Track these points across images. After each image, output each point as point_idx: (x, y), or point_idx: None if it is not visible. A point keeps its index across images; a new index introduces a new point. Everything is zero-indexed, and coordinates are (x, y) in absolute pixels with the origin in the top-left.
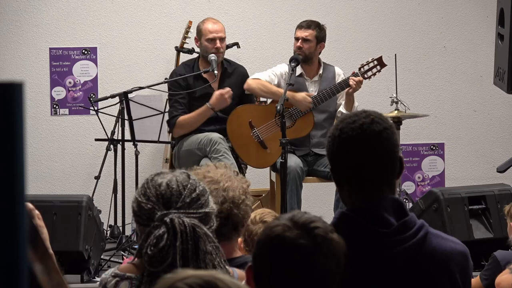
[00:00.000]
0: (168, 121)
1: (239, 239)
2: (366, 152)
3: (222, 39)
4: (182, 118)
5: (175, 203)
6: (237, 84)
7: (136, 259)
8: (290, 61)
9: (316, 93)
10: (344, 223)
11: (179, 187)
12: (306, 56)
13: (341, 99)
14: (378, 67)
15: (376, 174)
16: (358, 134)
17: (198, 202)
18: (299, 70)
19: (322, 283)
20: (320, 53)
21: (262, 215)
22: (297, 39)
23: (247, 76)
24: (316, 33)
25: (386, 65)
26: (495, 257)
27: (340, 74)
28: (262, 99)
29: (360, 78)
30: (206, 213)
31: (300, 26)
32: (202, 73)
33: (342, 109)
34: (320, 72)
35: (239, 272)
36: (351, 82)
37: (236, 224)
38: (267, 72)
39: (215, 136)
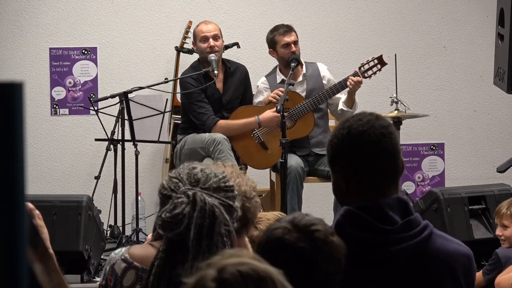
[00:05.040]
0: (204, 120)
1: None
2: (376, 145)
3: (215, 37)
4: (225, 122)
5: (203, 184)
6: (240, 82)
7: (153, 243)
8: (291, 61)
9: (304, 93)
10: (349, 219)
11: (211, 173)
12: (299, 57)
13: (339, 94)
14: (379, 66)
15: (384, 168)
16: (368, 128)
17: (225, 191)
18: (279, 78)
19: (322, 286)
20: None
21: (259, 220)
22: (287, 44)
23: (248, 74)
24: (296, 34)
25: (386, 63)
26: (497, 254)
27: (323, 69)
28: (259, 99)
29: (360, 78)
30: (229, 205)
31: (284, 32)
32: (203, 73)
33: (342, 106)
34: (304, 71)
35: None
36: (348, 82)
37: (247, 219)
38: (257, 99)
39: (219, 136)
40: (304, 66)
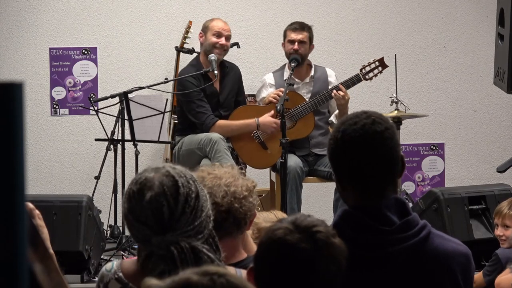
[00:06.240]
0: (203, 120)
1: (249, 232)
2: (369, 152)
3: (228, 38)
4: (224, 122)
5: (170, 223)
6: (234, 81)
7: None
8: (291, 61)
9: (309, 95)
10: (347, 220)
11: (169, 203)
12: (302, 58)
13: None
14: (380, 68)
15: (379, 174)
16: (361, 135)
17: (192, 213)
18: (286, 74)
19: (323, 287)
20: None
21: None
22: (292, 41)
23: (241, 75)
24: (309, 34)
25: (387, 66)
26: (497, 254)
27: (331, 75)
28: (263, 94)
29: (341, 93)
30: (201, 221)
31: (294, 29)
32: (203, 73)
33: (333, 118)
34: (312, 73)
35: (244, 273)
36: (333, 94)
37: (238, 220)
38: (262, 94)
39: (215, 136)
40: (313, 68)
